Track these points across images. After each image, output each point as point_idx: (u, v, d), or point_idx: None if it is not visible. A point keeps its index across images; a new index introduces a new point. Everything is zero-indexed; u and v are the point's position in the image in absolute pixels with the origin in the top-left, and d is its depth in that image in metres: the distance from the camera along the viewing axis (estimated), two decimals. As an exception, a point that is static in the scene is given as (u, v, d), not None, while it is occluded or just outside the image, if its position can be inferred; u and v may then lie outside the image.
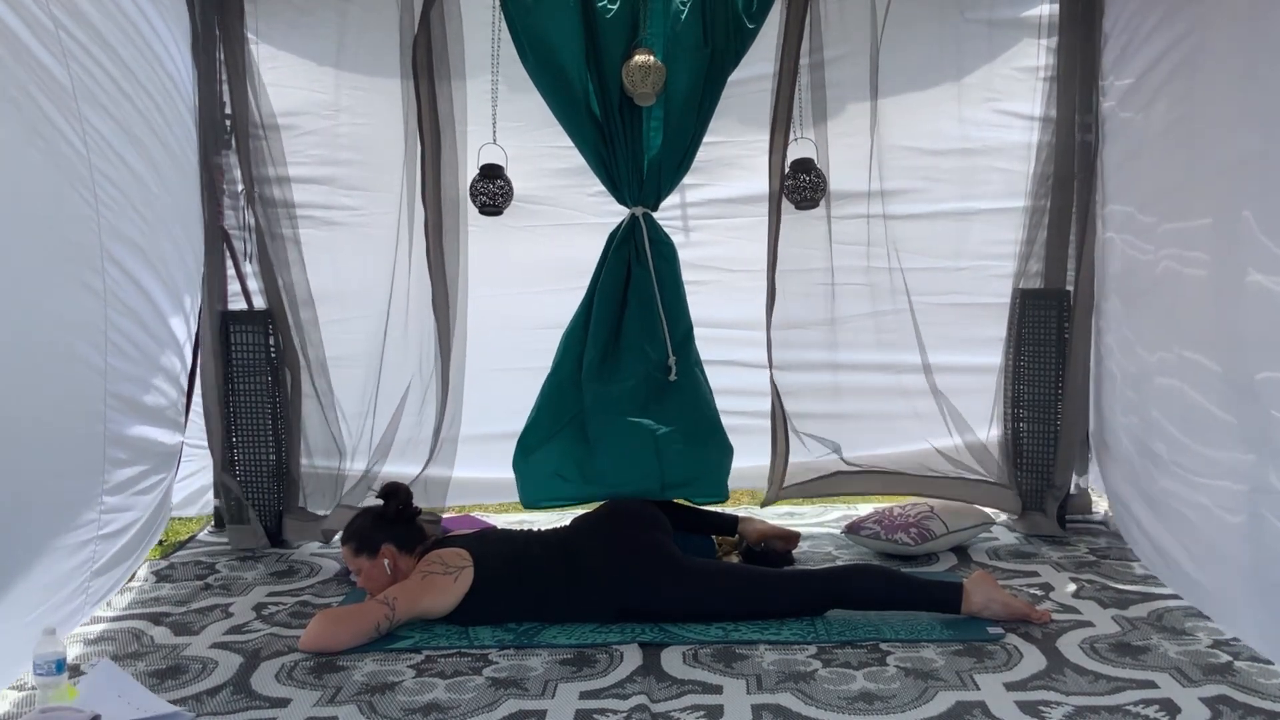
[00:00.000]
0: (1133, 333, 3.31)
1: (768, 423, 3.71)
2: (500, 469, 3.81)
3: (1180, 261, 2.95)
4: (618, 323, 3.46)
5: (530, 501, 3.50)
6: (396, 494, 3.05)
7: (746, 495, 4.08)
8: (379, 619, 2.77)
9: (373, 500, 3.13)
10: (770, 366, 3.42)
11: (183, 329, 3.43)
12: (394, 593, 2.82)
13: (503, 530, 3.22)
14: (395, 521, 3.01)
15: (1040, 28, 3.62)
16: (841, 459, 3.76)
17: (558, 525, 3.23)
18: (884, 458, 3.77)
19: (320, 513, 3.70)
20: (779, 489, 3.40)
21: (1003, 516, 3.75)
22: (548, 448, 3.46)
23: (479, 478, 3.85)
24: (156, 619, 3.01)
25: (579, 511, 3.32)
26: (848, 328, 3.69)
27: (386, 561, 2.94)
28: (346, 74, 3.66)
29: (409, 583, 2.86)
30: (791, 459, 3.67)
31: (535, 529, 3.21)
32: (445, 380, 3.55)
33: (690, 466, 3.42)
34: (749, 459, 3.68)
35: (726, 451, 3.49)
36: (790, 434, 3.71)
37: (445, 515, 3.62)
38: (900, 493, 3.68)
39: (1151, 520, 3.18)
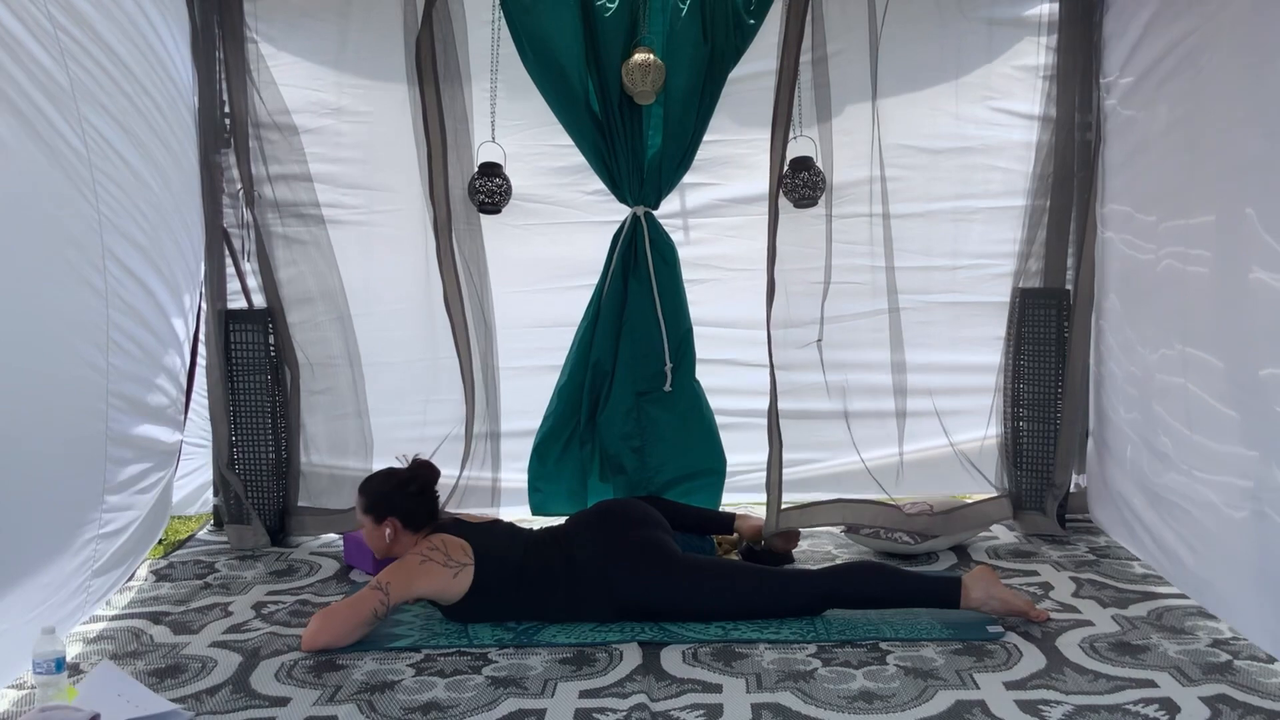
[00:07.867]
0: (1134, 330, 3.30)
1: (764, 421, 3.69)
2: (495, 469, 3.81)
3: (1183, 259, 2.95)
4: (615, 344, 3.54)
5: (542, 513, 3.62)
6: (420, 476, 3.02)
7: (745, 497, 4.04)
8: (374, 606, 2.76)
9: (402, 464, 3.09)
10: (771, 365, 3.39)
11: (183, 327, 3.43)
12: (387, 577, 2.80)
13: (509, 526, 3.14)
14: (411, 496, 2.99)
15: (1040, 26, 3.62)
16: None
17: (554, 523, 3.22)
18: (883, 459, 3.75)
19: (334, 507, 3.69)
20: (777, 514, 3.35)
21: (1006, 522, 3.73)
22: (563, 465, 3.59)
23: (477, 476, 3.84)
24: (156, 618, 3.01)
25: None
26: (845, 326, 3.68)
27: (388, 531, 2.94)
28: (348, 72, 3.65)
29: (405, 566, 2.83)
30: (786, 464, 3.62)
31: (534, 528, 3.18)
32: (469, 378, 3.56)
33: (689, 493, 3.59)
34: (746, 457, 3.68)
35: (722, 464, 3.62)
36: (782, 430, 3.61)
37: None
38: (901, 528, 3.44)
39: (1154, 517, 3.17)
